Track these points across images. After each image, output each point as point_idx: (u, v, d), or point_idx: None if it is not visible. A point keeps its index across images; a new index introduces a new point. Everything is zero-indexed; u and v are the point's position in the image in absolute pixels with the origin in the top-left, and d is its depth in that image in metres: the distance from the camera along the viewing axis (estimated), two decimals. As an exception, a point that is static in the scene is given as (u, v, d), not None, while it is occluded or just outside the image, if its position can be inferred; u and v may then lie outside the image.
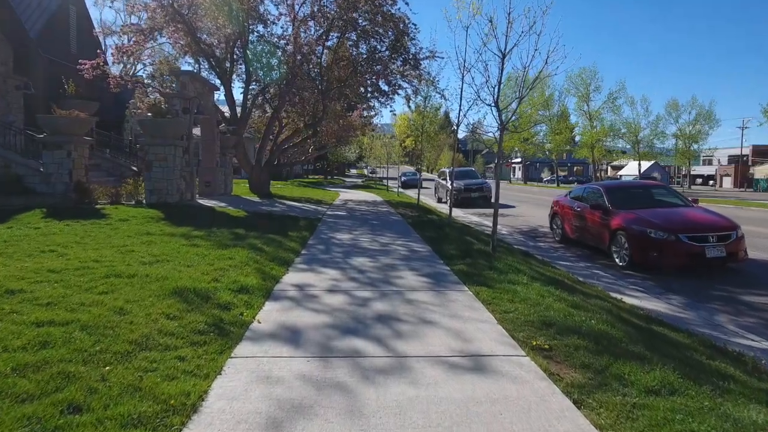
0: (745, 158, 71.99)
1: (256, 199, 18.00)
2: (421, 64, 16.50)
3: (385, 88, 17.93)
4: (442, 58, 18.08)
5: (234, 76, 20.31)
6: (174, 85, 13.93)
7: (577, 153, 52.28)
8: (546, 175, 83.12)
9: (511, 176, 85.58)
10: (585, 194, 11.88)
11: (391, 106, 25.20)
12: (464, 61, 9.93)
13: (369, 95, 19.03)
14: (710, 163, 78.27)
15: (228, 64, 19.27)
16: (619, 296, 6.60)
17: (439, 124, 20.59)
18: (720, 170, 76.14)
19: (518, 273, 6.73)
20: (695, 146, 66.54)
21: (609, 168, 79.99)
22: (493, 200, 10.62)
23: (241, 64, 20.17)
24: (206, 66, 19.88)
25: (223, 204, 14.38)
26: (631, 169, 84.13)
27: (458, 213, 18.58)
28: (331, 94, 18.23)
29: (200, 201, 14.72)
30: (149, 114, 12.92)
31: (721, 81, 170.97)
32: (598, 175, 56.93)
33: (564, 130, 49.91)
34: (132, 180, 12.68)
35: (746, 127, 67.35)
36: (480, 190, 23.46)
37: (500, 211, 22.03)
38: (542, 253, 10.58)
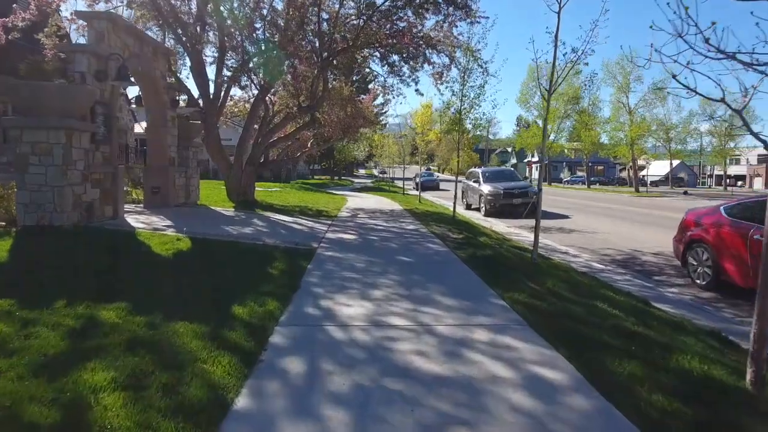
0: (777, 157, 66.18)
1: (229, 210, 12.84)
2: (471, 8, 11.18)
3: (412, 51, 12.52)
4: (487, 18, 12.93)
5: (206, 45, 15.22)
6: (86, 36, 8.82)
7: (617, 151, 46.37)
8: (566, 176, 77.56)
9: (529, 177, 79.98)
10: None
11: (415, 83, 18.77)
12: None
13: (386, 63, 13.63)
14: (738, 162, 72.92)
15: (198, 29, 14.19)
16: None
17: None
18: (749, 170, 70.75)
19: None
20: (731, 144, 61.29)
21: (629, 168, 74.15)
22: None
23: (216, 31, 15.08)
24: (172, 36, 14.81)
25: (165, 223, 9.25)
26: (654, 169, 78.48)
27: (500, 227, 13.31)
28: (335, 61, 12.98)
29: (131, 218, 9.59)
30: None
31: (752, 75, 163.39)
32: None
33: (597, 124, 44.42)
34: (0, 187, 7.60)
35: (779, 125, 61.71)
36: (524, 196, 18.22)
37: (553, 223, 16.81)
38: (706, 318, 5.57)
